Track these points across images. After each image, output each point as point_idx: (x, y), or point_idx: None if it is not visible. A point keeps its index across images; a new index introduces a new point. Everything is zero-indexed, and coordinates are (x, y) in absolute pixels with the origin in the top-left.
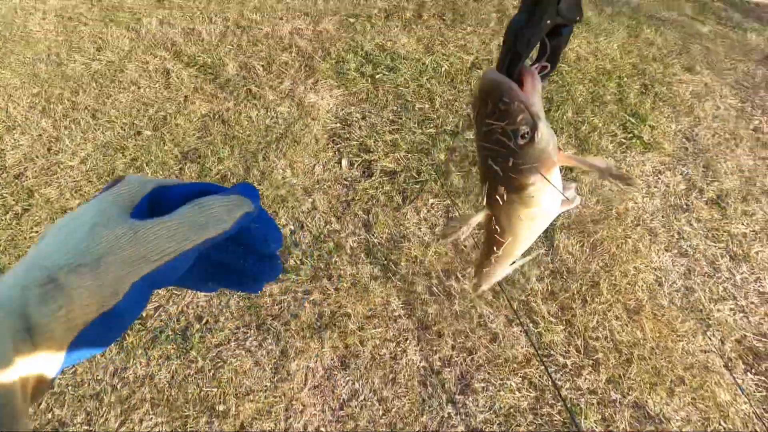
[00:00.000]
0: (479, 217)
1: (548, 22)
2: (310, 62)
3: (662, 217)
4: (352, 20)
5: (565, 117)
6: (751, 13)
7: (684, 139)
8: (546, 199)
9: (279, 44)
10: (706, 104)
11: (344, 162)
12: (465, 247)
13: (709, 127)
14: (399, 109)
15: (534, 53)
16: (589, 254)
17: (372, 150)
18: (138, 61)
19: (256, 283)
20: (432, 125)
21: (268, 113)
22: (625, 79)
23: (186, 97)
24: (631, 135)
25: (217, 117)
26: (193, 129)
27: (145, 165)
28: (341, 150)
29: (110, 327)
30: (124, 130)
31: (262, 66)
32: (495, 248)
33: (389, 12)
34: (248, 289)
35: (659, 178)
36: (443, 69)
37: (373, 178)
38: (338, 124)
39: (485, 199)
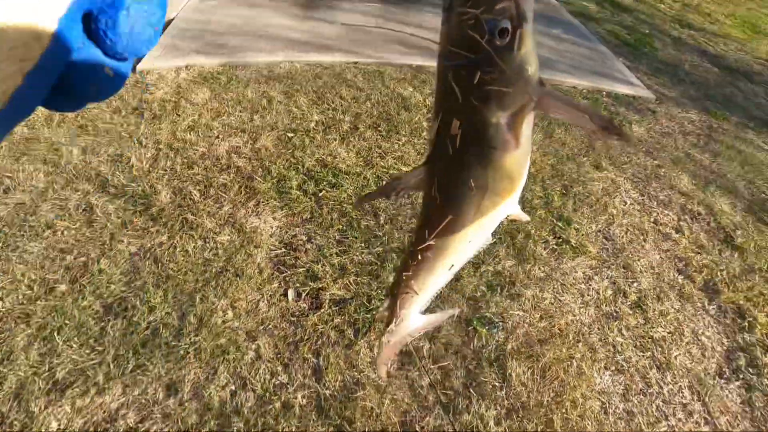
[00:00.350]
0: (417, 176)
1: None
2: (250, 183)
3: (598, 329)
4: (290, 135)
5: (500, 226)
6: (631, 106)
7: (604, 239)
8: (511, 160)
9: (216, 165)
10: (615, 200)
11: (291, 293)
12: (422, 388)
13: (621, 224)
14: (345, 228)
15: None
16: (540, 383)
17: (320, 277)
18: (55, 200)
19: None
20: (379, 243)
21: (207, 244)
22: (548, 181)
23: (112, 235)
24: (560, 240)
25: (148, 255)
26: (120, 273)
27: (56, 333)
28: (287, 279)
29: None
30: (32, 288)
31: (199, 191)
32: (427, 231)
33: (327, 125)
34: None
35: (590, 285)
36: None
37: (322, 309)
38: (283, 250)
39: (431, 142)
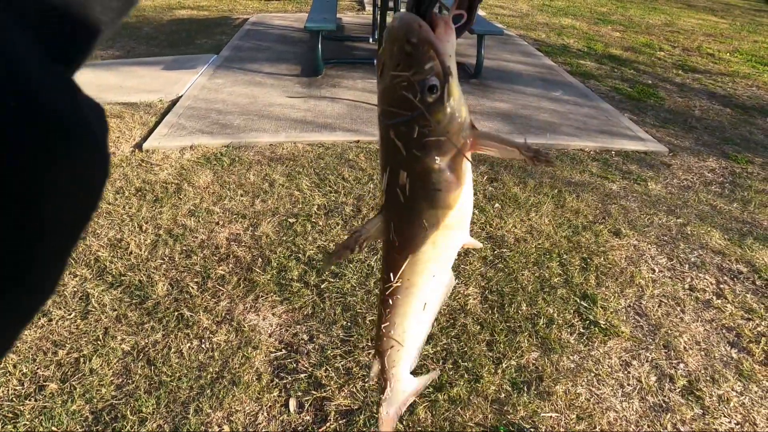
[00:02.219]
0: (375, 225)
1: None
2: (249, 274)
3: (648, 426)
4: (291, 220)
5: (520, 312)
6: (643, 163)
7: (636, 316)
8: (455, 197)
9: (215, 254)
10: (642, 269)
11: (292, 404)
12: None
13: (652, 296)
14: (349, 324)
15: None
16: None
17: (324, 383)
18: None
19: None
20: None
21: (203, 345)
22: (565, 256)
23: (106, 329)
24: (587, 322)
25: (141, 355)
26: (112, 375)
27: None
28: (288, 387)
29: None
30: (23, 384)
31: (197, 283)
32: (392, 274)
33: (329, 208)
34: None
35: (629, 372)
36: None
37: (327, 423)
38: (283, 351)
39: (383, 193)
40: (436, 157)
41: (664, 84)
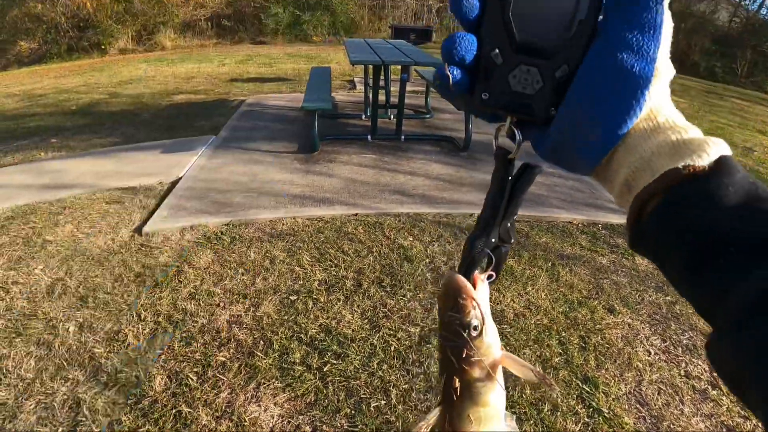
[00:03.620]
0: (435, 415)
1: (493, 240)
2: (250, 359)
3: None
4: (293, 298)
5: (524, 396)
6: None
7: (638, 405)
8: (492, 398)
9: (216, 340)
10: (638, 350)
11: None
12: None
13: (651, 381)
14: (353, 412)
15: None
16: None
17: None
18: (41, 395)
19: None
20: (393, 429)
21: None
22: (564, 333)
23: None
24: (591, 409)
25: None
26: None
27: None
28: None
29: None
30: None
31: (196, 373)
32: None
33: (330, 283)
34: None
35: None
36: (392, 348)
37: None
38: None
39: (441, 394)
40: (477, 370)
41: None
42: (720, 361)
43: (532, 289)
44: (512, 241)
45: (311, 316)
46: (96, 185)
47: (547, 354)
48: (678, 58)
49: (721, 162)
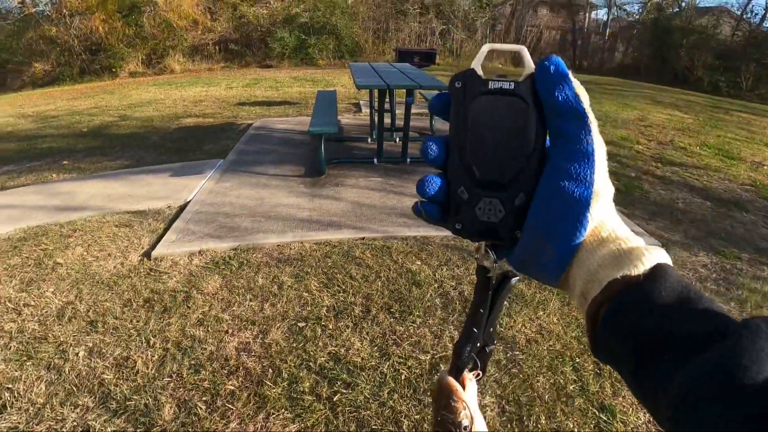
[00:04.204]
0: None
1: (478, 345)
2: (259, 389)
3: None
4: (301, 325)
5: (539, 426)
6: None
7: None
8: None
9: (224, 367)
10: None
11: None
12: None
13: None
14: None
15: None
16: None
17: None
18: (51, 420)
19: None
20: None
21: None
22: (578, 359)
23: None
24: None
25: None
26: None
27: None
28: None
29: None
30: None
31: (205, 402)
32: None
33: (338, 310)
34: None
35: None
36: (403, 377)
37: None
38: None
39: None
40: None
41: (647, 176)
42: None
43: (544, 313)
44: (495, 343)
45: (320, 344)
46: (106, 208)
47: (562, 381)
48: (681, 73)
49: (656, 269)
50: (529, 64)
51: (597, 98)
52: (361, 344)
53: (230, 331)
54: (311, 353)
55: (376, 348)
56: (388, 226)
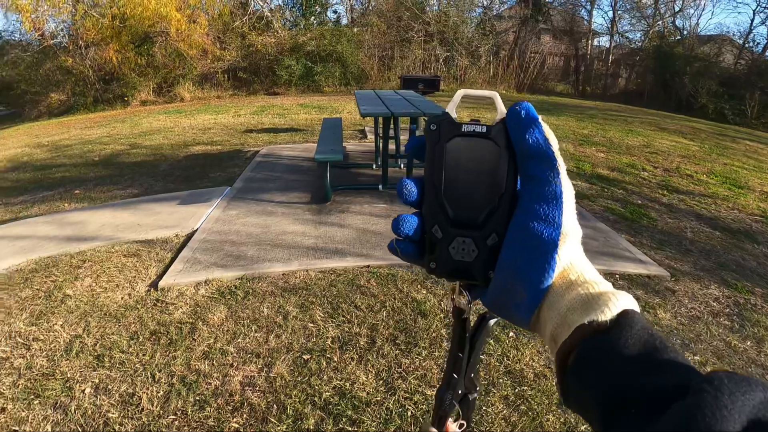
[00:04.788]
0: None
1: (460, 392)
2: (264, 426)
3: None
4: (306, 357)
5: None
6: (649, 288)
7: None
8: None
9: (229, 404)
10: None
11: None
12: None
13: None
14: None
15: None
16: None
17: None
18: None
19: None
20: None
21: None
22: None
23: None
24: None
25: None
26: None
27: None
28: None
29: None
30: None
31: None
32: None
33: (343, 341)
34: None
35: None
36: (409, 413)
37: None
38: None
39: None
40: None
41: (653, 204)
42: None
43: None
44: (477, 389)
45: (325, 377)
46: (115, 237)
47: (572, 420)
48: (686, 100)
49: (622, 316)
50: (501, 109)
51: (601, 124)
52: (367, 377)
53: (235, 364)
54: (316, 387)
55: (381, 381)
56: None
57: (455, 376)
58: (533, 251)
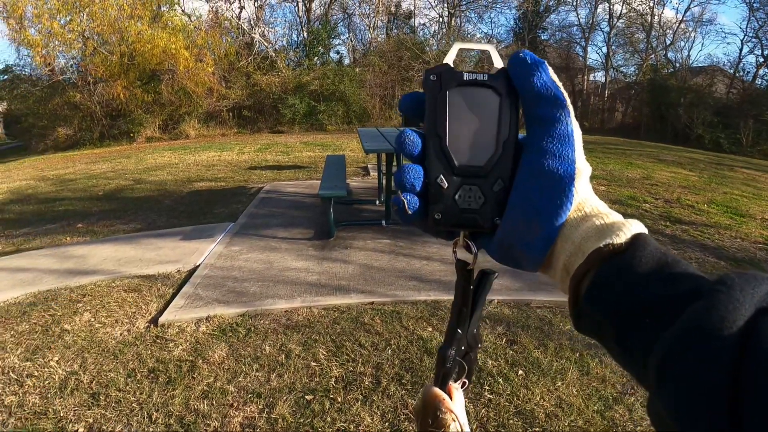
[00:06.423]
0: None
1: (462, 348)
2: None
3: None
4: (309, 397)
5: None
6: None
7: None
8: None
9: None
10: None
11: None
12: None
13: None
14: None
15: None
16: None
17: None
18: None
19: None
20: None
21: None
22: None
23: None
24: None
25: None
26: None
27: None
28: None
29: None
30: None
31: None
32: None
33: (347, 381)
34: None
35: None
36: None
37: None
38: None
39: None
40: None
41: (656, 235)
42: (654, 419)
43: (562, 384)
44: (479, 345)
45: (328, 419)
46: (116, 272)
47: None
48: (682, 131)
49: (636, 238)
50: (498, 62)
51: (600, 158)
52: (372, 419)
53: (235, 404)
54: (319, 430)
55: (387, 424)
56: (397, 289)
57: (459, 331)
58: (550, 188)
